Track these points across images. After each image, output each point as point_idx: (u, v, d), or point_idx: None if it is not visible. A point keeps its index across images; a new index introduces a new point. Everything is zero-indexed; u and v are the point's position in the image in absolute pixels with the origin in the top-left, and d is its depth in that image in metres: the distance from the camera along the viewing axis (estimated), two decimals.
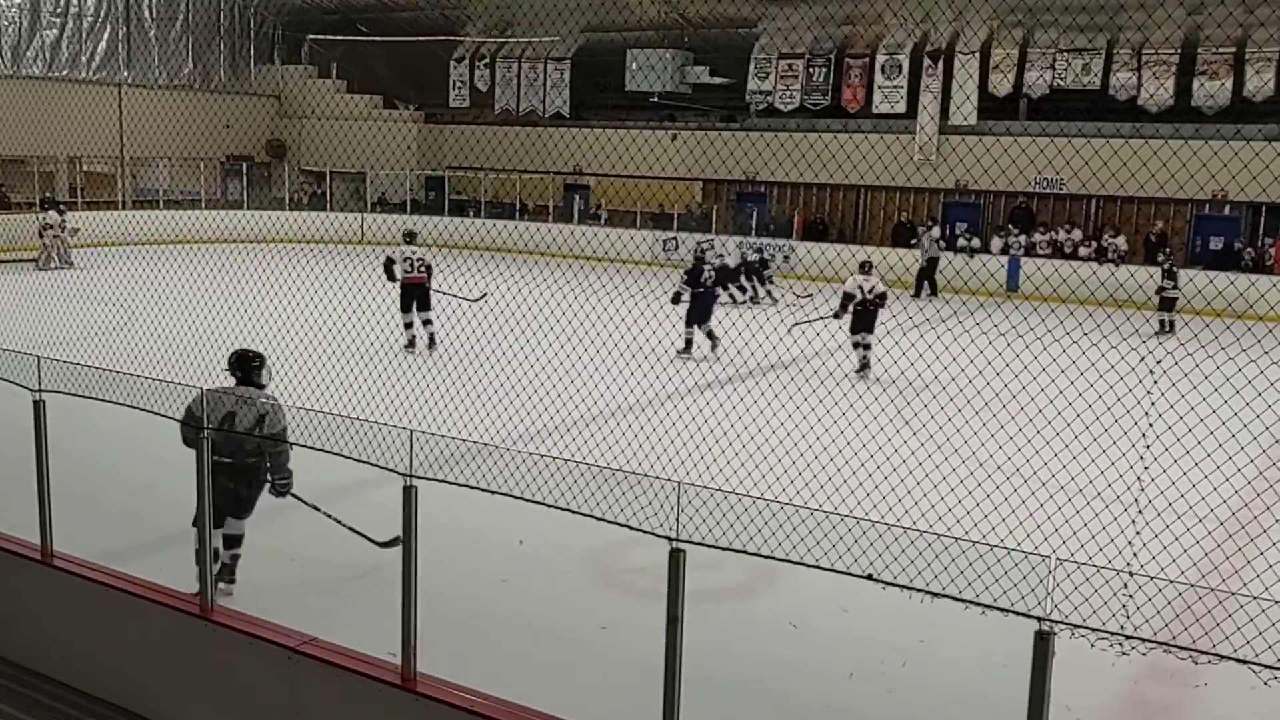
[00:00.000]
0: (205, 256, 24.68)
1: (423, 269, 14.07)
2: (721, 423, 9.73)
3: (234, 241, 26.76)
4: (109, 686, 5.66)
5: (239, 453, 6.20)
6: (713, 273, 15.38)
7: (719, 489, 4.16)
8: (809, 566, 3.77)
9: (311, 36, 32.26)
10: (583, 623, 6.46)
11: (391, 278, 14.18)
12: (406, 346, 14.16)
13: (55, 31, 27.77)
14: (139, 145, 28.54)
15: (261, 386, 6.53)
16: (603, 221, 28.10)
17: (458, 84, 31.40)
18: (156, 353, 10.81)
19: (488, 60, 30.96)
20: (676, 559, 4.01)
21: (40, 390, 5.84)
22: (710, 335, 14.57)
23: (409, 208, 30.75)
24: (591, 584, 7.10)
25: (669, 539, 4.00)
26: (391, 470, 4.66)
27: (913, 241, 24.23)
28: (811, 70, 26.62)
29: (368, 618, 5.21)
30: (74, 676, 5.78)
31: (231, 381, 6.49)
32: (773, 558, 3.83)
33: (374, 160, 30.50)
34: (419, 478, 4.64)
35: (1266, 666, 3.23)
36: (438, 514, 4.76)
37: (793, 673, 5.77)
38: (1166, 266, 19.26)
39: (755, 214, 27.05)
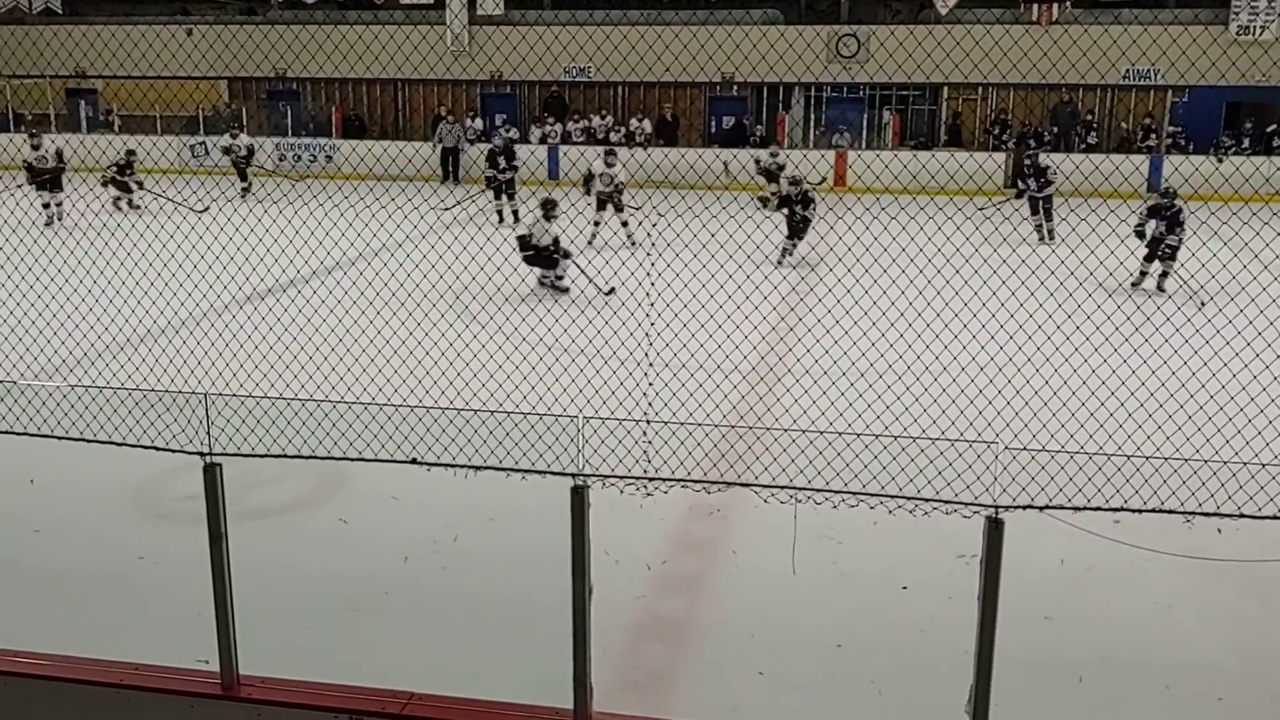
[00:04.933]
0: None
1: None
2: (267, 334, 9.32)
3: None
4: None
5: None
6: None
7: (250, 395, 4.01)
8: (351, 460, 3.75)
9: None
10: (129, 560, 6.02)
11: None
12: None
13: None
14: None
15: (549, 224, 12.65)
16: (117, 129, 25.46)
17: None
18: None
19: None
20: (213, 474, 3.83)
21: None
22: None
23: None
24: (143, 517, 6.62)
25: (201, 454, 3.80)
26: None
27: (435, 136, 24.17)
28: None
29: None
30: None
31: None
32: (313, 457, 3.78)
33: None
34: None
35: (763, 486, 3.69)
36: None
37: (353, 570, 5.74)
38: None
39: (289, 112, 25.71)
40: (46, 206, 16.32)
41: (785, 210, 14.79)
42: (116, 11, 26.75)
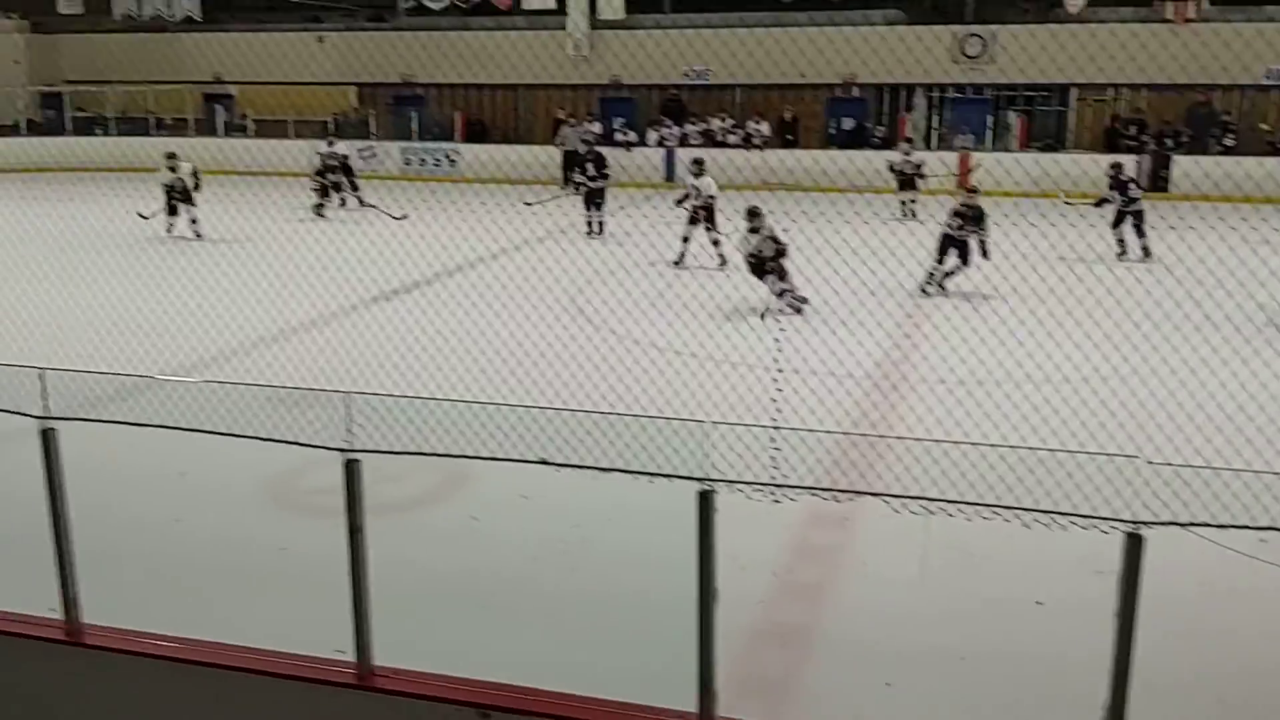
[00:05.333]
0: None
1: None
2: (394, 333, 9.57)
3: None
4: None
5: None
6: None
7: (389, 394, 4.11)
8: (484, 459, 3.82)
9: None
10: (265, 551, 6.25)
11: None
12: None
13: None
14: None
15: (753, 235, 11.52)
16: (251, 134, 26.45)
17: None
18: None
19: None
20: (352, 469, 3.94)
21: None
22: None
23: (25, 129, 27.55)
24: (276, 510, 6.86)
25: (341, 450, 3.92)
26: (22, 414, 4.25)
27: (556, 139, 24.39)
28: None
29: (22, 576, 4.78)
30: None
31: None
32: (448, 455, 3.86)
33: None
34: (59, 419, 4.27)
35: (895, 496, 3.64)
36: (88, 459, 4.41)
37: (481, 566, 5.86)
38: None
39: (416, 118, 26.34)
40: (171, 227, 16.61)
41: (956, 225, 12.15)
42: (252, 20, 27.79)
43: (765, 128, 24.67)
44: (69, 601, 4.38)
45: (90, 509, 4.44)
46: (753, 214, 11.61)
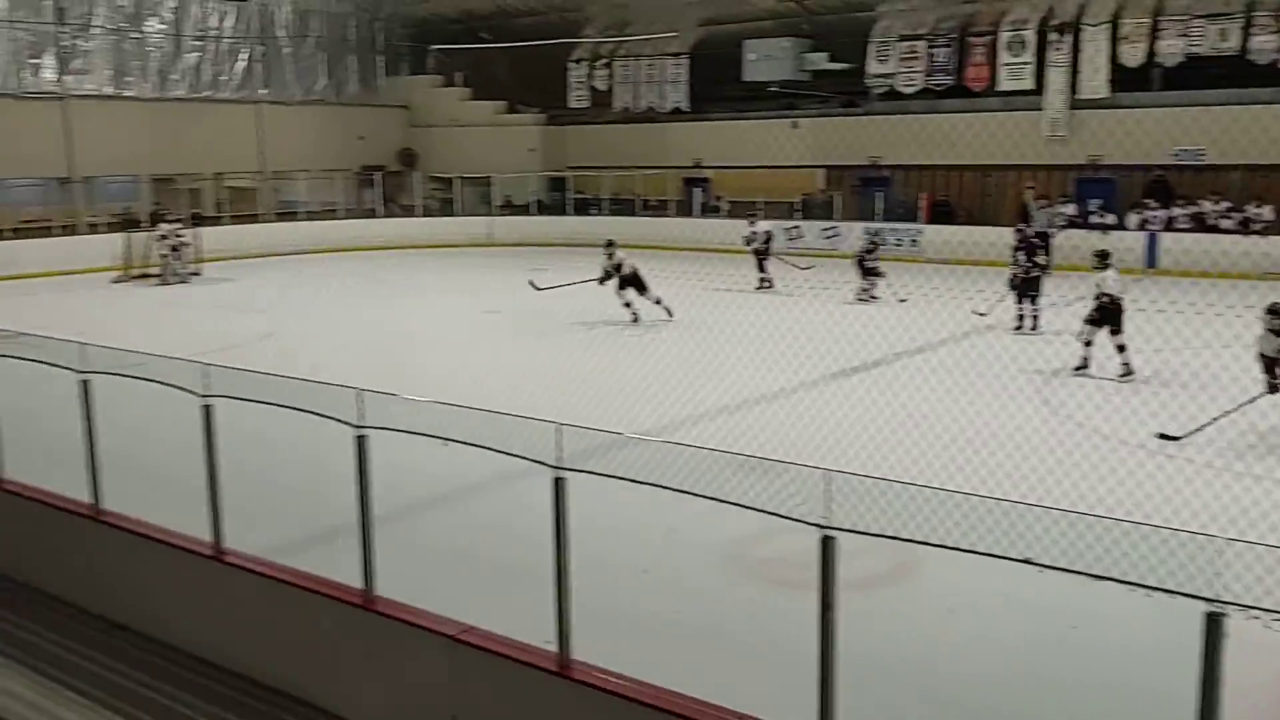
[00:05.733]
0: (345, 264, 25.60)
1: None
2: (868, 410, 9.63)
3: (370, 249, 27.73)
4: (279, 675, 5.96)
5: None
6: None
7: (868, 475, 4.15)
8: (964, 551, 3.73)
9: (436, 47, 33.00)
10: (724, 611, 6.50)
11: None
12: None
13: (197, 54, 29.05)
14: (278, 159, 29.77)
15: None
16: (724, 214, 28.03)
17: (577, 85, 31.80)
18: (305, 358, 11.20)
19: (606, 60, 31.24)
20: (828, 546, 4.02)
21: (207, 395, 6.16)
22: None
23: (536, 209, 31.20)
24: (732, 573, 7.13)
25: (819, 526, 4.01)
26: (541, 463, 4.77)
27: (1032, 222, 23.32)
28: (934, 51, 26.04)
29: (519, 607, 5.34)
30: (245, 666, 6.10)
31: None
32: (927, 543, 3.82)
33: (499, 164, 31.07)
34: (568, 469, 4.75)
35: None
36: (578, 505, 4.84)
37: (945, 661, 5.70)
38: None
39: (882, 199, 26.56)
40: (628, 305, 17.46)
41: None
42: (732, 109, 29.54)
43: (1267, 211, 22.16)
44: (563, 636, 4.83)
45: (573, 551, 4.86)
46: (1276, 311, 9.79)
